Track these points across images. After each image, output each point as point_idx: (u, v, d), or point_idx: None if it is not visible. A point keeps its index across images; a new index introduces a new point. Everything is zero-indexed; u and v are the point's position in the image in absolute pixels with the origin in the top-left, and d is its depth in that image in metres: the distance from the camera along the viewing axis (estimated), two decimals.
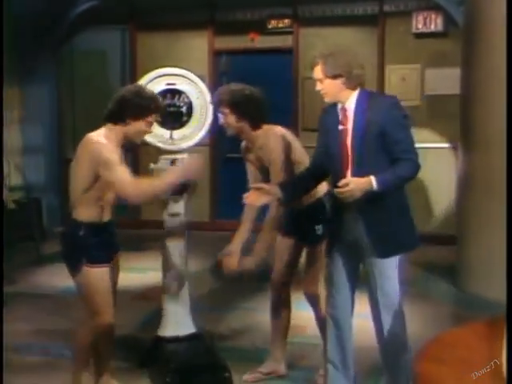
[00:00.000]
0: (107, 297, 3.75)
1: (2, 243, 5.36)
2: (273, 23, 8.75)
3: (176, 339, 4.41)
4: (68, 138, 9.82)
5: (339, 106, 3.52)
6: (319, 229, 4.05)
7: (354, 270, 3.65)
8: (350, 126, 3.45)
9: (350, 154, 3.44)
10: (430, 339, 3.67)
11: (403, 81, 8.28)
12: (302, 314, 4.73)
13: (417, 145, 3.47)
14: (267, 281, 4.41)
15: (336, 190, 3.36)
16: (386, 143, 3.36)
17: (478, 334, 3.66)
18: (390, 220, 3.48)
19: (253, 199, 3.68)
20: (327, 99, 3.53)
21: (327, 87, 3.47)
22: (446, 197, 7.59)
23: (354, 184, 3.31)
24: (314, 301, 4.22)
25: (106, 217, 3.76)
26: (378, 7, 8.45)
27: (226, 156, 9.24)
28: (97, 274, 3.69)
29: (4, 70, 8.31)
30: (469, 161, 6.29)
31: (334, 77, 3.44)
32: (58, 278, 6.58)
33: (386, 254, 3.46)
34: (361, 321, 3.95)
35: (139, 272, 6.88)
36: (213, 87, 4.27)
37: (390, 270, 3.51)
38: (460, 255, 6.45)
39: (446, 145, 7.87)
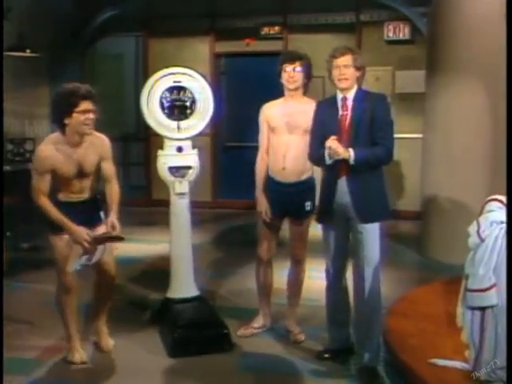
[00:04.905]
0: None
1: (2, 240, 5.17)
2: (265, 30, 8.74)
3: (182, 301, 4.39)
4: None
5: (339, 96, 3.58)
6: (308, 205, 4.07)
7: (344, 238, 3.68)
8: (349, 112, 3.54)
9: (348, 135, 3.51)
10: (397, 298, 3.65)
11: (377, 80, 8.21)
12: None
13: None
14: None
15: (327, 142, 3.41)
16: (372, 128, 3.47)
17: (436, 292, 3.66)
18: (370, 194, 3.55)
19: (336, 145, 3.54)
20: (345, 84, 3.55)
21: (351, 74, 3.54)
22: (413, 179, 7.56)
23: (337, 145, 3.41)
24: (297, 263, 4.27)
25: None
26: (355, 17, 8.44)
27: (225, 144, 9.22)
28: None
29: (36, 71, 8.26)
30: (431, 147, 6.29)
31: (358, 68, 3.55)
32: None
33: (366, 220, 3.53)
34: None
35: (151, 243, 6.87)
36: (213, 85, 4.23)
37: (371, 236, 3.54)
38: (424, 228, 6.46)
39: (413, 135, 7.83)
